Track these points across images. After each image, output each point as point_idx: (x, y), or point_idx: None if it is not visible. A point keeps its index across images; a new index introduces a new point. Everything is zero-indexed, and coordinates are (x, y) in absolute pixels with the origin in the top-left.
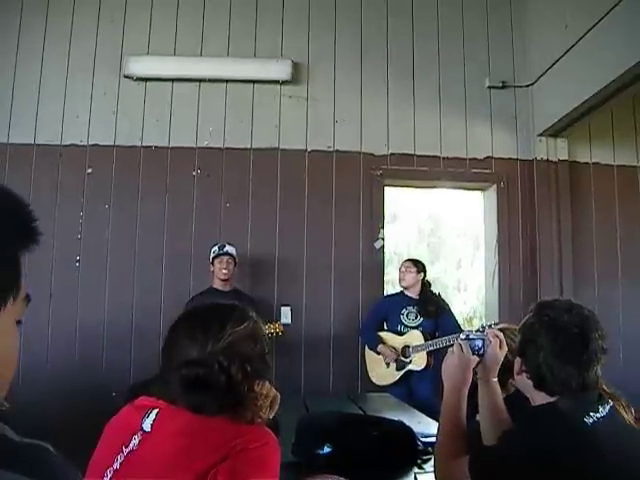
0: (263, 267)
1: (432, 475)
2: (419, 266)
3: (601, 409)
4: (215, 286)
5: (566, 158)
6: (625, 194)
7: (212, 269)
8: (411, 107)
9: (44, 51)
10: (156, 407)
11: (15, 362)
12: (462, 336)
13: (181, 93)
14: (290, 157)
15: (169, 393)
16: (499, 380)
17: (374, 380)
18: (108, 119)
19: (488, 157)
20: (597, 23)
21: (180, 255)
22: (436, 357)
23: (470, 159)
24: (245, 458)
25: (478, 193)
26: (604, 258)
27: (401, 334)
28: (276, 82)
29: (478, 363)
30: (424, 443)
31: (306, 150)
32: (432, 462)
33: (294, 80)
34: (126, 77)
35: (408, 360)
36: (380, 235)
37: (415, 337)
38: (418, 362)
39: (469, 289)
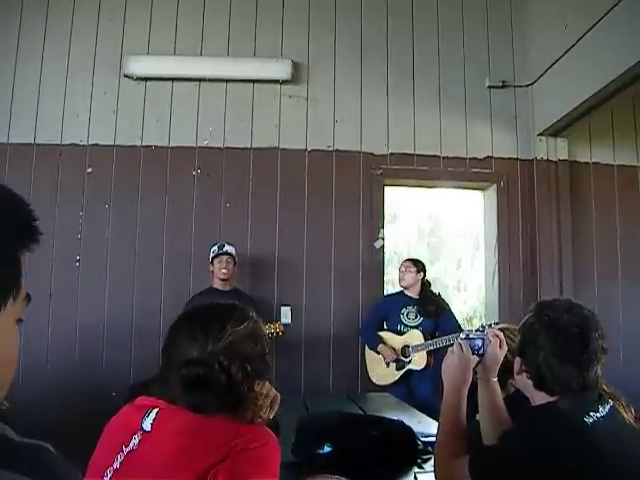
0: (263, 267)
1: (432, 475)
2: (419, 266)
3: (601, 409)
4: (215, 286)
5: (566, 158)
6: (625, 194)
7: (212, 269)
8: (411, 107)
9: (44, 51)
10: (156, 407)
11: (15, 362)
12: (462, 336)
13: (181, 93)
14: (290, 157)
15: (169, 393)
16: (499, 380)
17: (374, 380)
18: (108, 119)
19: (488, 157)
20: (597, 23)
21: (180, 255)
22: (436, 357)
23: (470, 159)
24: (245, 458)
25: (478, 193)
26: (604, 258)
27: (401, 334)
28: (276, 82)
29: (478, 363)
30: (424, 443)
31: (306, 150)
32: (432, 462)
33: (294, 80)
34: (126, 77)
35: (408, 360)
36: (380, 235)
37: (415, 337)
38: (418, 362)
39: (469, 289)
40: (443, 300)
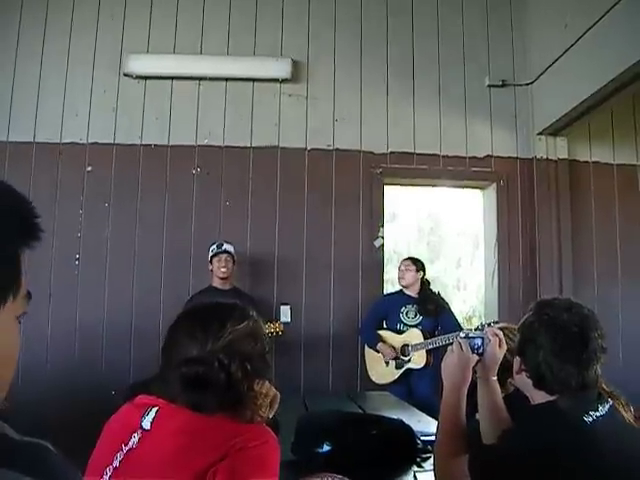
0: (263, 266)
1: (431, 474)
2: (418, 265)
3: (600, 408)
4: (214, 285)
5: (566, 157)
6: (625, 193)
7: (211, 268)
8: (411, 105)
9: (44, 49)
10: (156, 405)
11: (15, 361)
12: (461, 334)
13: (181, 91)
14: (290, 155)
15: (169, 391)
16: (498, 379)
17: (373, 379)
18: (108, 117)
19: (488, 156)
20: (597, 22)
21: (180, 253)
22: (436, 355)
23: (470, 158)
24: (244, 457)
25: (478, 192)
26: (604, 257)
27: (400, 333)
28: (276, 80)
29: (478, 362)
30: (423, 442)
31: (306, 148)
32: (431, 461)
33: (294, 78)
34: (126, 75)
35: (407, 359)
36: (380, 234)
37: (414, 336)
38: (417, 360)
39: (469, 288)
40: (442, 299)
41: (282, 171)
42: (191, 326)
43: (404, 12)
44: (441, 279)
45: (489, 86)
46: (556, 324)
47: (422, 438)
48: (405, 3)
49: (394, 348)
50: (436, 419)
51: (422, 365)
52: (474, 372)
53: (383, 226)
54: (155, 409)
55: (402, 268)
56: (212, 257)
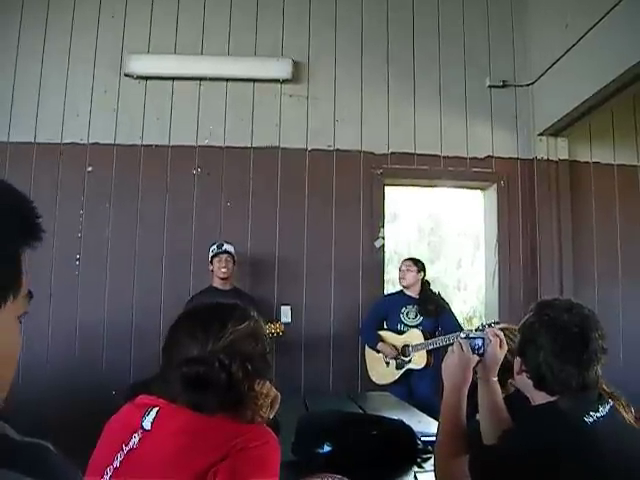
0: (263, 266)
1: (432, 474)
2: (419, 265)
3: (601, 408)
4: (215, 285)
5: (566, 157)
6: (625, 193)
7: (211, 268)
8: (411, 106)
9: (44, 49)
10: (156, 405)
11: (16, 360)
12: (462, 335)
13: (181, 91)
14: (290, 156)
15: (169, 392)
16: (499, 379)
17: (374, 379)
18: (108, 117)
19: (488, 156)
20: (597, 23)
21: (180, 254)
22: (436, 356)
23: (470, 158)
24: (245, 457)
25: (478, 192)
26: (604, 258)
27: (401, 333)
28: (276, 81)
29: (478, 362)
30: (424, 442)
31: (306, 149)
32: (432, 461)
33: (294, 79)
34: (126, 75)
35: (408, 359)
36: (380, 234)
37: (415, 336)
38: (418, 361)
39: (469, 288)
40: (443, 299)
41: (283, 171)
42: (192, 326)
43: (405, 12)
44: (441, 279)
45: (490, 86)
46: (557, 325)
47: (422, 439)
48: (406, 3)
49: (395, 347)
50: (436, 419)
51: (422, 365)
52: (474, 373)
53: (384, 226)
54: (156, 409)
55: (403, 268)
56: (212, 257)
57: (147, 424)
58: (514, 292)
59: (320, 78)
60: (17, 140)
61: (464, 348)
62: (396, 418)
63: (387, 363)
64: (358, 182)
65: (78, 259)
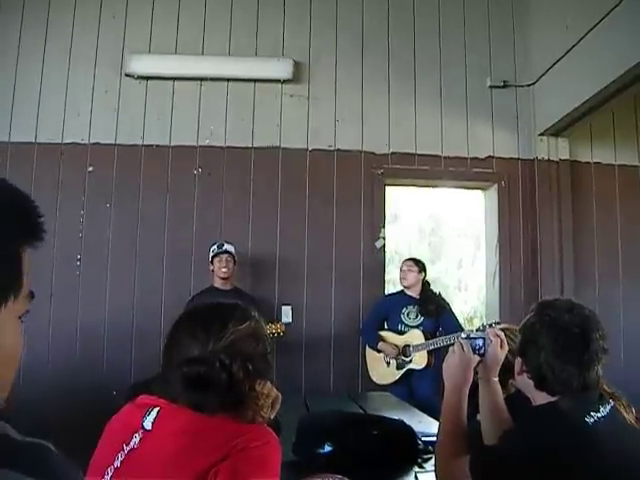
0: (264, 266)
1: (433, 474)
2: (420, 265)
3: (602, 409)
4: (215, 285)
5: (567, 158)
6: (626, 194)
7: (212, 268)
8: (412, 106)
9: (45, 49)
10: (157, 405)
11: (17, 360)
12: (463, 335)
13: (182, 91)
14: (291, 156)
15: (170, 392)
16: (500, 380)
17: (375, 379)
18: (109, 117)
19: (489, 156)
20: (598, 23)
21: (181, 254)
22: (437, 356)
23: (471, 158)
24: (246, 457)
25: (479, 192)
26: (605, 258)
27: (402, 333)
28: (277, 81)
29: (479, 362)
30: (425, 442)
31: (307, 149)
32: (433, 461)
33: (295, 79)
34: (127, 75)
35: (409, 359)
36: (381, 234)
37: (416, 336)
38: (419, 361)
39: (470, 289)
40: (444, 300)
41: (283, 171)
42: (192, 326)
43: (405, 13)
44: (442, 280)
45: (490, 87)
46: (557, 325)
47: (423, 439)
48: (407, 4)
49: (396, 346)
50: (437, 420)
51: (423, 366)
52: (475, 373)
53: (384, 227)
54: (156, 409)
55: (404, 269)
56: (213, 257)
57: (148, 424)
58: (515, 292)
59: (321, 78)
60: (18, 140)
61: (465, 348)
62: (397, 418)
63: (388, 363)
64: (359, 182)
65: (79, 259)
